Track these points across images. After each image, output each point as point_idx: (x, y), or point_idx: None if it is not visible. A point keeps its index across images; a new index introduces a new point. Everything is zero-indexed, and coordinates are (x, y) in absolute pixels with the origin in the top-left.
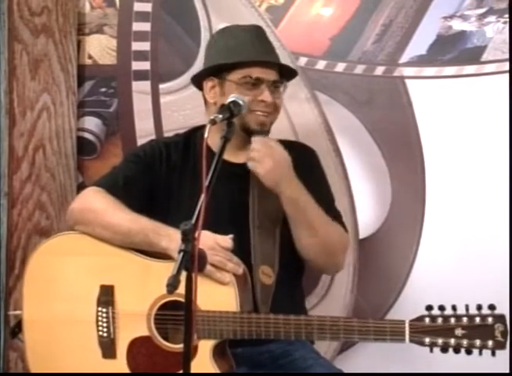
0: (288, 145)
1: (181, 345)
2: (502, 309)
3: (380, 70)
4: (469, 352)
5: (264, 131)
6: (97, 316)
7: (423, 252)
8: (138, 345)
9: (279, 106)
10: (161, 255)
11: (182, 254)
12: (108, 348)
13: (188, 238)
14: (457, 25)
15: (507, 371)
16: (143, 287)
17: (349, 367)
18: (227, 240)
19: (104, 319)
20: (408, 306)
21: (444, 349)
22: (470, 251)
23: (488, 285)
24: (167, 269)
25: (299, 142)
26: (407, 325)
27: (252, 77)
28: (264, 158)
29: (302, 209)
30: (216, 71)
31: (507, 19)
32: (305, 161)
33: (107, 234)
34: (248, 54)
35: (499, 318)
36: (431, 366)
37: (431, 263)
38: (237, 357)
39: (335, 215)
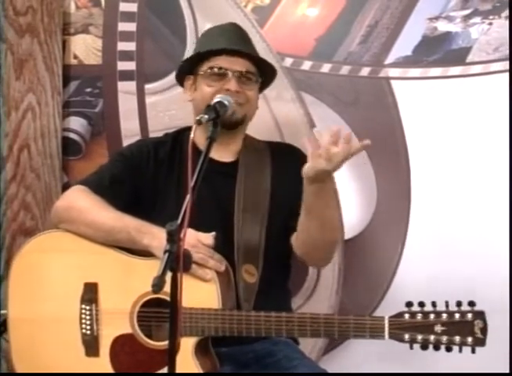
0: (276, 146)
1: (163, 343)
2: (493, 307)
3: (365, 71)
4: (449, 349)
5: (233, 118)
6: (80, 313)
7: (409, 253)
8: (121, 343)
9: (252, 98)
10: (145, 253)
11: (167, 254)
12: (91, 346)
13: (173, 239)
14: (442, 26)
15: (507, 371)
16: (126, 284)
17: (334, 368)
18: (209, 238)
19: (87, 317)
20: (393, 307)
21: (424, 346)
22: (456, 250)
23: (475, 284)
24: (150, 266)
25: (286, 143)
26: (386, 321)
27: (217, 66)
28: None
29: (327, 203)
30: (192, 69)
31: (492, 21)
32: (295, 161)
33: (91, 232)
34: (214, 44)
35: (479, 314)
36: (418, 365)
37: (417, 264)
38: (222, 357)
39: None
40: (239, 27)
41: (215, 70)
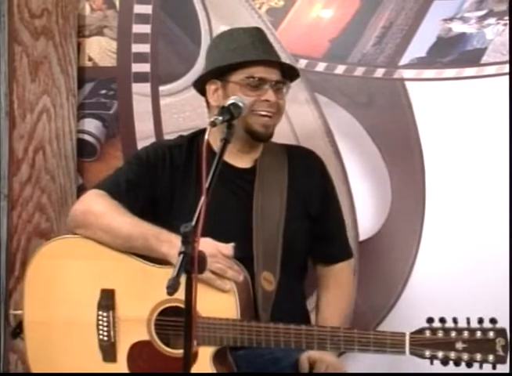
0: (294, 150)
1: (181, 351)
2: (503, 310)
3: (379, 73)
4: (469, 365)
5: (267, 133)
6: (97, 319)
7: (424, 254)
8: (138, 350)
9: (283, 107)
10: (162, 261)
11: (181, 256)
12: (108, 351)
13: (188, 240)
14: (457, 27)
15: (507, 371)
16: (143, 292)
17: (348, 369)
18: (228, 248)
19: (105, 324)
20: (408, 308)
21: (444, 362)
22: (470, 252)
23: (489, 286)
24: (168, 274)
25: (304, 147)
26: (407, 337)
27: (255, 77)
28: None
29: None
30: (218, 74)
31: (507, 22)
32: (312, 166)
33: (108, 238)
34: (250, 54)
35: (501, 332)
36: (431, 368)
37: (431, 265)
38: (239, 359)
39: (348, 251)
40: (263, 32)
41: (253, 80)
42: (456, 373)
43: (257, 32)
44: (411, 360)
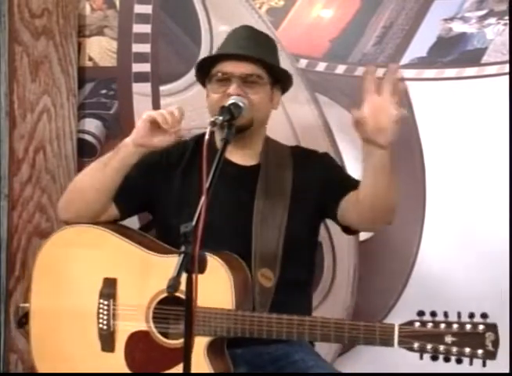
0: (299, 150)
1: (177, 341)
2: (503, 310)
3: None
4: (459, 360)
5: (239, 124)
6: (98, 308)
7: (424, 254)
8: (136, 340)
9: (256, 102)
10: (165, 250)
11: (182, 255)
12: (107, 341)
13: (188, 240)
14: (458, 27)
15: (507, 371)
16: (145, 281)
17: (349, 370)
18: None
19: (105, 312)
20: (408, 308)
21: (433, 357)
22: (471, 252)
23: (489, 286)
24: (170, 264)
25: (310, 148)
26: (396, 328)
27: (220, 72)
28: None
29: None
30: (204, 76)
31: (507, 21)
32: (317, 163)
33: (88, 182)
34: (220, 50)
35: (491, 327)
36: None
37: (432, 265)
38: (237, 358)
39: None
40: (251, 29)
41: (219, 75)
42: (456, 373)
43: (242, 29)
44: None
